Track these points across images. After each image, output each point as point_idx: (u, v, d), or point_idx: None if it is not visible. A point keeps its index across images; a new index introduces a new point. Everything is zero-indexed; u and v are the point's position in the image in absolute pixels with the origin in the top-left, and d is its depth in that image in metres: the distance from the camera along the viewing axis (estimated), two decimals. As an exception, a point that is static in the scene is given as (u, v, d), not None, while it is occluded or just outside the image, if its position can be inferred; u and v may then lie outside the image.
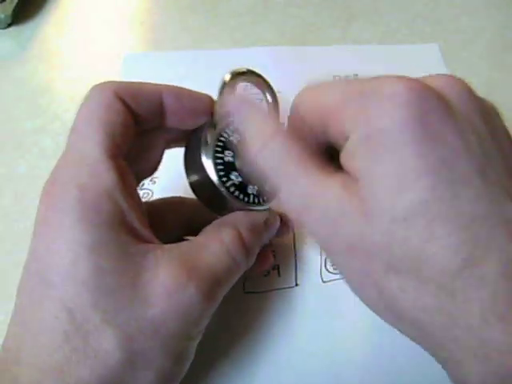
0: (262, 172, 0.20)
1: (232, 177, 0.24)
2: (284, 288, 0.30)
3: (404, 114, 0.16)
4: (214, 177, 0.23)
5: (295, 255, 0.31)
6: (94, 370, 0.18)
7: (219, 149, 0.24)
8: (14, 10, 0.47)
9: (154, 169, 0.26)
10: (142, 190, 0.35)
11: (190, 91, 0.24)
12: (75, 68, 0.45)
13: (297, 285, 0.30)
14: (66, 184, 0.20)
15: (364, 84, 0.18)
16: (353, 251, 0.17)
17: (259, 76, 0.26)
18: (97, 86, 0.22)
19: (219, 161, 0.23)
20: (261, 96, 0.27)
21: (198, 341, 0.23)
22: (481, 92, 0.19)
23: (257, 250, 0.24)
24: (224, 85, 0.25)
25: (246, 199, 0.24)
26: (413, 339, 0.17)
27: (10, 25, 0.47)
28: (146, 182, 0.35)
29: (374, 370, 0.26)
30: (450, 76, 0.18)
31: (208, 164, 0.23)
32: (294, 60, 0.44)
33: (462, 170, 0.16)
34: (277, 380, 0.26)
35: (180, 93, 0.24)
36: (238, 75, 0.25)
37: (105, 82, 0.22)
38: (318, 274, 0.30)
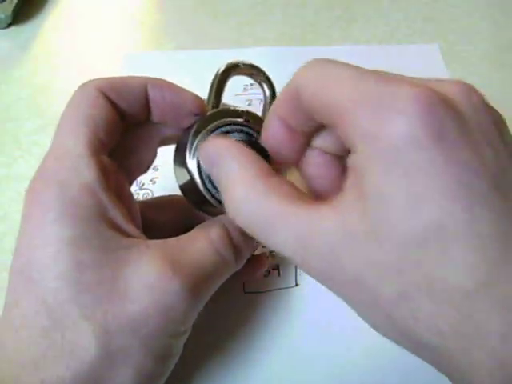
0: (249, 228, 0.19)
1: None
2: (284, 288, 0.30)
3: (420, 132, 0.15)
4: (197, 179, 0.23)
5: (295, 255, 0.31)
6: (69, 366, 0.18)
7: None
8: (14, 10, 0.47)
9: (148, 165, 0.26)
10: (142, 189, 0.35)
11: (174, 86, 0.24)
12: (75, 68, 0.45)
13: (297, 285, 0.30)
14: (48, 180, 0.20)
15: (379, 86, 0.17)
16: (359, 280, 0.16)
17: (255, 68, 0.25)
18: (81, 84, 0.22)
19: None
20: (261, 96, 0.27)
21: (184, 339, 0.22)
22: (481, 92, 0.19)
23: (248, 251, 0.24)
24: (216, 78, 0.24)
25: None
26: (431, 363, 0.17)
27: (10, 25, 0.47)
28: (146, 182, 0.35)
29: (375, 370, 0.26)
30: (464, 84, 0.17)
31: (192, 165, 0.23)
32: (294, 60, 0.44)
33: (480, 190, 0.15)
34: (276, 380, 0.26)
35: (163, 86, 0.23)
36: (231, 68, 0.24)
37: (89, 80, 0.23)
38: (318, 274, 0.30)
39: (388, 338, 0.17)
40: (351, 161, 0.18)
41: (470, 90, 0.17)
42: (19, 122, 0.40)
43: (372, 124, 0.16)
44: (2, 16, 0.46)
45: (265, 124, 0.22)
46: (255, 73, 0.25)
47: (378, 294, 0.16)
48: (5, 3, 0.46)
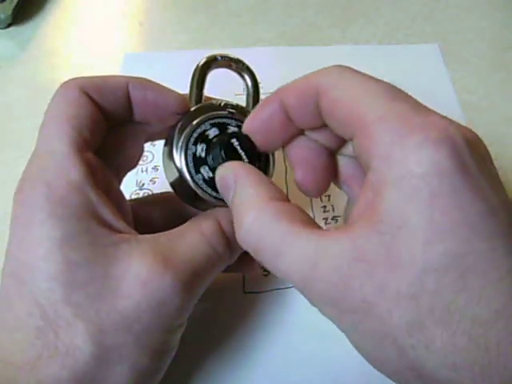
0: (258, 251, 0.19)
1: (203, 172, 0.23)
2: (284, 288, 0.30)
3: (448, 162, 0.15)
4: (186, 175, 0.23)
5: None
6: (64, 366, 0.18)
7: (192, 143, 0.23)
8: (13, 10, 0.47)
9: (136, 162, 0.26)
10: (142, 189, 0.35)
11: (157, 86, 0.24)
12: (75, 68, 0.45)
13: (297, 285, 0.30)
14: (35, 181, 0.20)
15: (411, 111, 0.17)
16: (368, 307, 0.16)
17: (233, 59, 0.25)
18: (63, 83, 0.22)
19: (191, 158, 0.23)
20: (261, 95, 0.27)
21: (179, 334, 0.22)
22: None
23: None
24: (195, 73, 0.24)
25: (215, 194, 0.23)
26: None
27: (10, 25, 0.47)
28: (146, 182, 0.35)
29: (373, 370, 0.26)
30: (473, 131, 0.18)
31: (180, 163, 0.23)
32: (293, 60, 0.44)
33: (498, 225, 0.15)
34: (276, 380, 0.26)
35: (145, 86, 0.23)
36: (210, 62, 0.25)
37: (71, 79, 0.23)
38: (317, 274, 0.30)
39: (393, 377, 0.17)
40: (367, 179, 0.17)
41: (480, 139, 0.17)
42: (19, 122, 0.40)
43: (397, 145, 0.16)
44: (2, 16, 0.46)
45: (261, 104, 0.22)
46: (234, 64, 0.25)
47: (389, 323, 0.16)
48: (5, 3, 0.46)
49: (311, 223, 0.19)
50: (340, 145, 0.22)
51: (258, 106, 0.22)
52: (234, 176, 0.21)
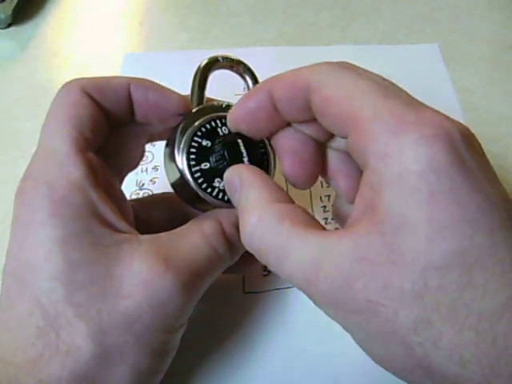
0: (260, 252, 0.19)
1: (203, 168, 0.23)
2: (284, 288, 0.30)
3: (445, 158, 0.15)
4: (188, 176, 0.23)
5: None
6: (65, 366, 0.18)
7: (194, 146, 0.23)
8: (13, 10, 0.47)
9: (137, 162, 0.26)
10: (142, 189, 0.35)
11: (158, 87, 0.24)
12: (75, 68, 0.45)
13: (297, 285, 0.30)
14: (36, 180, 0.20)
15: (405, 108, 0.17)
16: (373, 307, 0.16)
17: (235, 60, 0.25)
18: (65, 83, 0.22)
19: (193, 162, 0.23)
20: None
21: (180, 334, 0.22)
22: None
23: (242, 246, 0.23)
24: (197, 75, 0.24)
25: (215, 194, 0.23)
26: None
27: (10, 25, 0.47)
28: (146, 182, 0.35)
29: (373, 370, 0.26)
30: (465, 126, 0.18)
31: (182, 163, 0.23)
32: (294, 60, 0.44)
33: (499, 217, 0.15)
34: (276, 380, 0.26)
35: (147, 86, 0.23)
36: (211, 63, 0.25)
37: (73, 79, 0.23)
38: (317, 274, 0.30)
39: (401, 375, 0.17)
40: (364, 178, 0.17)
41: (471, 132, 0.17)
42: (19, 122, 0.40)
43: (393, 143, 0.16)
44: (2, 16, 0.46)
45: (248, 93, 0.22)
46: (235, 65, 0.26)
47: (395, 322, 0.15)
48: (5, 3, 0.46)
49: (314, 224, 0.19)
50: (328, 138, 0.22)
51: (245, 95, 0.22)
52: (239, 178, 0.21)
